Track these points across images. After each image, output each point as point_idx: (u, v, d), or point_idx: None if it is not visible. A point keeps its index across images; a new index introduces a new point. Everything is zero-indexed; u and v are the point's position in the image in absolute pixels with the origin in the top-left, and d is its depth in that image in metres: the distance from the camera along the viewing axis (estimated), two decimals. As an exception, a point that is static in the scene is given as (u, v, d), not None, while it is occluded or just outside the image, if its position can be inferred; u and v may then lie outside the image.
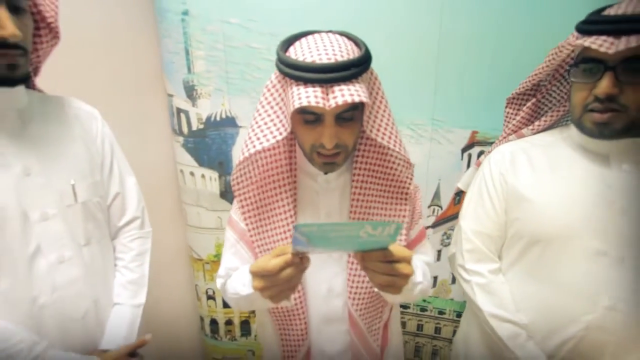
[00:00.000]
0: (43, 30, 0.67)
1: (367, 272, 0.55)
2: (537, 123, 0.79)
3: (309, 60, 0.56)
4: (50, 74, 0.77)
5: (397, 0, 1.06)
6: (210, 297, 1.44)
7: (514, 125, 0.81)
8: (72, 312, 0.68)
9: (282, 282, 0.52)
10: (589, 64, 0.63)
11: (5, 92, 0.61)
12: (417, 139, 1.19)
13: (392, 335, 0.82)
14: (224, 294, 0.75)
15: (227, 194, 1.28)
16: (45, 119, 0.68)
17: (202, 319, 1.48)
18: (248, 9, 1.09)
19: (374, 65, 0.63)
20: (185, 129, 1.22)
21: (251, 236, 0.72)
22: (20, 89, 0.65)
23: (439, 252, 1.31)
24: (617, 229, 0.65)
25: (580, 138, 0.69)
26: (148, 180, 0.95)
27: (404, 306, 1.38)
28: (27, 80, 0.64)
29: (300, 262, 0.53)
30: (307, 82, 0.56)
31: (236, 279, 0.70)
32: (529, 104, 0.80)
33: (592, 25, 0.62)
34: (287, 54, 0.60)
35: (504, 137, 0.83)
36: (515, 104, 0.83)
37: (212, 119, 1.20)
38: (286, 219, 0.70)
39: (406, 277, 0.53)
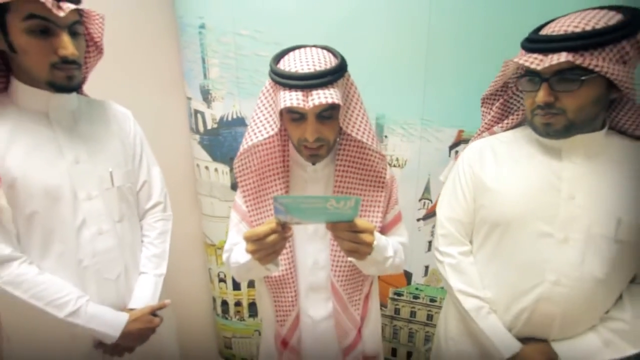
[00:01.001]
0: (91, 47, 0.83)
1: (337, 240, 0.68)
2: (505, 121, 0.88)
3: (293, 70, 0.70)
4: (89, 80, 0.93)
5: (387, 11, 1.16)
6: (222, 280, 1.59)
7: (486, 123, 0.91)
8: (107, 274, 0.84)
9: (268, 245, 0.65)
10: (530, 76, 0.73)
11: (63, 97, 0.78)
12: (408, 137, 1.30)
13: (372, 307, 0.94)
14: (228, 266, 0.89)
15: (236, 186, 1.43)
16: (90, 119, 0.85)
17: (214, 299, 1.64)
18: (256, 22, 1.23)
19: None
20: (201, 128, 1.38)
21: (250, 217, 0.86)
22: (73, 94, 0.81)
23: (429, 242, 1.42)
24: (563, 214, 0.74)
25: (536, 136, 0.79)
26: (168, 174, 1.09)
27: (397, 293, 1.49)
28: (80, 88, 0.80)
29: (282, 230, 0.66)
30: (291, 87, 0.70)
31: (237, 250, 0.84)
32: (497, 103, 0.89)
33: (529, 43, 0.72)
34: (278, 65, 0.74)
35: (479, 134, 0.93)
36: (488, 103, 0.93)
37: (225, 119, 1.35)
38: None
39: (368, 245, 0.66)
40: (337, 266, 0.84)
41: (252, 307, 1.62)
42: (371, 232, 0.66)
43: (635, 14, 0.66)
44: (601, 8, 0.69)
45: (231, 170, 1.41)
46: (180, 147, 1.46)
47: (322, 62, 0.71)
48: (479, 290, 0.85)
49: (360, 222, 0.65)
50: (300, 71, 0.69)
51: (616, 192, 0.72)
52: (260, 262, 0.68)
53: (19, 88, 0.74)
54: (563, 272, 0.74)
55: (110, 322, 0.80)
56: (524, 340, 0.81)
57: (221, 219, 1.48)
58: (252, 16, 1.23)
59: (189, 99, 1.36)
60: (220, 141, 1.38)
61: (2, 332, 0.83)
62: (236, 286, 1.58)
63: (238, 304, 1.61)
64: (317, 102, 0.68)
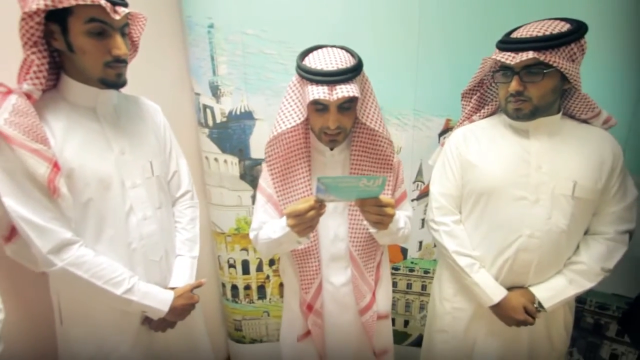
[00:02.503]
0: (130, 46, 0.90)
1: (364, 214, 0.82)
2: (482, 111, 1.07)
3: (319, 67, 0.83)
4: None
5: (380, 12, 1.29)
6: (232, 266, 1.68)
7: (466, 113, 1.09)
8: (152, 256, 0.92)
9: (307, 220, 0.78)
10: (504, 70, 0.91)
11: (109, 93, 0.85)
12: (402, 126, 1.45)
13: (383, 273, 1.08)
14: (255, 243, 1.01)
15: (245, 176, 1.53)
16: (128, 113, 0.92)
17: (223, 285, 1.73)
18: (262, 21, 1.32)
19: (366, 67, 0.89)
20: (210, 122, 1.46)
21: (278, 197, 0.97)
22: (114, 91, 0.88)
23: (423, 220, 1.58)
24: (533, 181, 0.93)
25: (509, 121, 0.97)
26: None
27: (395, 268, 1.64)
28: (126, 84, 0.86)
29: (319, 207, 0.79)
30: (318, 82, 0.82)
31: (267, 228, 0.95)
32: (475, 96, 1.08)
33: (502, 44, 0.90)
34: (304, 62, 0.86)
35: (460, 123, 1.11)
36: (467, 97, 1.11)
37: (233, 113, 1.44)
38: (303, 183, 0.96)
39: (391, 216, 0.81)
40: (354, 238, 0.98)
41: (261, 289, 1.72)
42: (392, 206, 0.81)
43: (579, 24, 0.85)
44: (555, 19, 0.88)
45: (240, 161, 1.51)
46: (187, 141, 1.52)
47: (344, 61, 0.84)
48: (470, 250, 1.03)
49: (384, 198, 0.80)
50: (325, 69, 0.82)
51: (571, 161, 0.92)
52: (299, 234, 0.81)
53: (70, 85, 0.81)
54: (536, 226, 0.93)
55: (160, 298, 0.89)
56: (507, 289, 1.00)
57: (230, 207, 1.57)
58: (258, 16, 1.32)
59: (198, 94, 1.44)
60: (230, 134, 1.46)
61: (56, 315, 0.90)
62: (246, 271, 1.68)
63: (247, 287, 1.71)
64: (340, 95, 0.81)
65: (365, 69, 0.90)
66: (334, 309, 1.04)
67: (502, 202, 0.96)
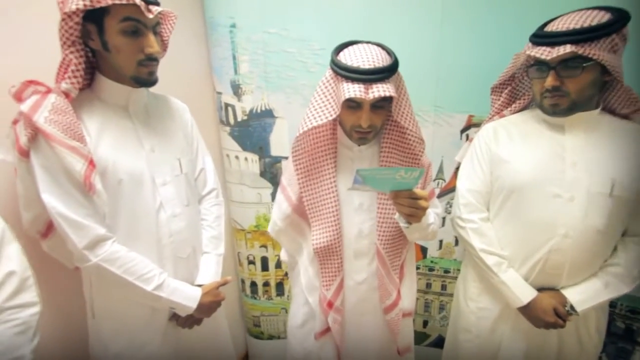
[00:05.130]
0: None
1: (397, 207, 0.81)
2: (513, 105, 1.04)
3: (355, 65, 0.82)
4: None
5: (401, 4, 1.27)
6: (251, 262, 1.70)
7: (496, 108, 1.07)
8: (180, 253, 0.93)
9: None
10: (539, 65, 0.88)
11: (140, 91, 0.87)
12: (422, 123, 1.42)
13: (407, 270, 1.07)
14: (272, 232, 1.06)
15: (265, 174, 1.54)
16: (158, 111, 0.94)
17: (243, 281, 1.75)
18: (283, 20, 1.33)
19: None
20: (231, 120, 1.47)
21: (302, 191, 0.95)
22: (145, 89, 0.89)
23: (444, 218, 1.57)
24: (568, 178, 0.90)
25: (543, 116, 0.94)
26: None
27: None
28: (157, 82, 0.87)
29: None
30: (354, 80, 0.81)
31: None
32: (506, 91, 1.05)
33: (536, 38, 0.87)
34: (339, 58, 0.85)
35: (490, 118, 1.09)
36: (497, 91, 1.08)
37: (254, 111, 1.45)
38: (330, 178, 0.95)
39: (424, 209, 0.80)
40: (383, 235, 0.97)
41: (279, 286, 1.73)
42: (426, 199, 0.80)
43: (621, 13, 0.81)
44: (594, 8, 0.84)
45: (260, 158, 1.52)
46: (209, 139, 1.54)
47: (380, 59, 0.83)
48: (498, 249, 1.00)
49: (418, 190, 0.79)
50: (362, 66, 0.81)
51: (609, 158, 0.89)
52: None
53: (105, 84, 0.83)
54: (570, 225, 0.90)
55: (189, 295, 0.90)
56: (537, 290, 0.97)
57: (251, 204, 1.58)
58: (279, 15, 1.32)
59: (219, 93, 1.45)
60: (250, 132, 1.48)
61: (88, 310, 0.92)
62: (265, 267, 1.69)
63: (266, 284, 1.73)
64: (376, 94, 0.80)
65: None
66: (356, 305, 1.04)
67: (534, 200, 0.93)
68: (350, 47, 0.87)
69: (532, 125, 0.98)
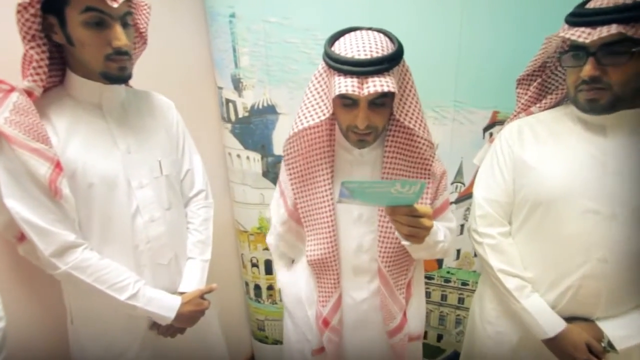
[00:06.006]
0: (137, 38, 0.85)
1: (394, 224, 0.68)
2: (544, 101, 0.88)
3: (349, 55, 0.69)
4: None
5: None
6: (254, 265, 1.64)
7: (523, 103, 0.91)
8: (160, 260, 0.88)
9: None
10: (575, 51, 0.72)
11: (114, 88, 0.81)
12: (440, 120, 1.28)
13: (415, 289, 0.95)
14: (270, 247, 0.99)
15: (268, 174, 1.46)
16: (138, 109, 0.87)
17: (247, 284, 1.69)
18: (285, 9, 1.22)
19: None
20: (232, 117, 1.40)
21: (296, 199, 0.87)
22: (122, 86, 0.84)
23: (462, 226, 1.41)
24: (609, 190, 0.74)
25: (579, 113, 0.78)
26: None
27: (428, 277, 1.50)
28: (131, 78, 0.82)
29: None
30: (346, 73, 0.68)
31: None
32: (535, 84, 0.89)
33: (574, 17, 0.71)
34: (333, 48, 0.73)
35: (515, 115, 0.93)
36: (524, 84, 0.92)
37: (256, 107, 1.37)
38: (325, 185, 0.84)
39: (427, 229, 0.67)
40: (384, 251, 0.85)
41: (284, 291, 1.66)
42: (430, 217, 0.67)
43: None
44: None
45: (262, 158, 1.43)
46: (211, 136, 1.48)
47: (379, 47, 0.70)
48: (520, 270, 0.86)
49: (420, 207, 0.66)
50: (356, 57, 0.68)
51: None
52: None
53: (74, 80, 0.77)
54: (610, 248, 0.74)
55: (166, 304, 0.85)
56: (567, 319, 0.82)
57: (253, 205, 1.51)
58: (280, 3, 1.22)
59: (220, 88, 1.38)
60: (252, 129, 1.39)
61: (68, 314, 0.88)
62: (268, 270, 1.62)
63: (270, 287, 1.66)
64: (372, 90, 0.67)
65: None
66: (355, 326, 0.94)
67: (565, 215, 0.78)
68: (346, 35, 0.74)
69: (565, 125, 0.81)
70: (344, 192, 0.61)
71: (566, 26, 0.73)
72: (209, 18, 1.31)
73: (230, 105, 1.38)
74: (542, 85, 0.89)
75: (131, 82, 0.95)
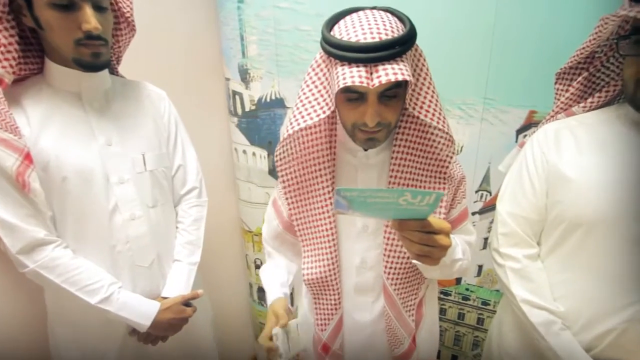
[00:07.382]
0: (122, 24, 0.79)
1: (403, 241, 0.56)
2: (589, 100, 0.72)
3: (353, 39, 0.57)
4: (128, 62, 0.90)
5: None
6: (258, 267, 1.57)
7: (562, 102, 0.75)
8: (140, 261, 0.82)
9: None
10: (637, 35, 0.57)
11: (94, 76, 0.75)
12: (467, 119, 1.14)
13: (427, 311, 0.83)
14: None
15: (274, 172, 1.37)
16: (124, 100, 0.82)
17: (250, 285, 1.63)
18: (296, -7, 1.13)
19: (427, 43, 0.61)
20: (239, 110, 1.32)
21: (290, 209, 0.76)
22: (105, 73, 0.78)
23: (485, 239, 1.26)
24: None
25: (636, 115, 0.63)
26: (207, 158, 1.05)
27: (444, 293, 1.36)
28: (108, 66, 0.77)
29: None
30: (351, 61, 0.56)
31: (267, 272, 0.89)
32: (579, 78, 0.73)
33: None
34: (332, 32, 0.61)
35: (552, 116, 0.77)
36: (566, 79, 0.76)
37: (263, 100, 1.28)
38: (324, 194, 0.73)
39: (444, 248, 0.54)
40: (391, 268, 0.74)
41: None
42: (447, 234, 0.54)
43: None
44: None
45: (269, 154, 1.35)
46: (219, 130, 1.42)
47: (389, 29, 0.57)
48: (549, 302, 0.71)
49: (436, 221, 0.53)
50: (362, 41, 0.56)
51: None
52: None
53: (52, 68, 0.72)
54: None
55: (142, 310, 0.79)
56: None
57: (258, 205, 1.44)
58: (292, -14, 1.13)
59: (228, 79, 1.31)
60: (259, 124, 1.31)
61: (48, 314, 0.84)
62: (273, 273, 1.55)
63: (275, 291, 1.59)
64: (384, 80, 0.55)
65: (424, 43, 0.62)
66: (359, 352, 0.83)
67: (611, 241, 0.63)
68: (347, 17, 0.62)
69: (615, 130, 0.66)
70: (340, 202, 0.50)
71: (629, 2, 0.58)
72: (218, 4, 1.24)
73: (237, 97, 1.31)
74: (588, 80, 0.73)
75: (135, 71, 0.92)
